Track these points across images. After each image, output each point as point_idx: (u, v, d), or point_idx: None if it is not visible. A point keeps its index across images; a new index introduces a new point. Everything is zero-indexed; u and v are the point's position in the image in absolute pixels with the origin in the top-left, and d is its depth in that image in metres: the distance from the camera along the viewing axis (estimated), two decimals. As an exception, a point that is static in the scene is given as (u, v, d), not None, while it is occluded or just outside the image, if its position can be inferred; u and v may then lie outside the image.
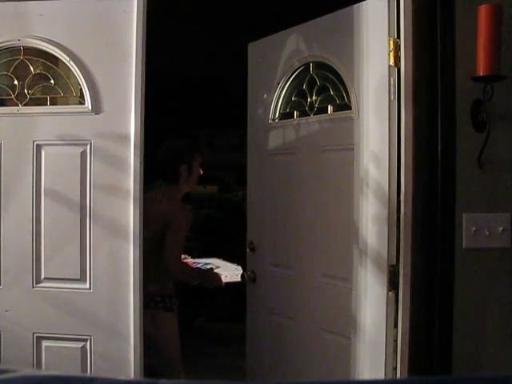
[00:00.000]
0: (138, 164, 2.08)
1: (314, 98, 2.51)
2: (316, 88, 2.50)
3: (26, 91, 2.18)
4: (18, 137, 2.17)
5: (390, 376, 2.12)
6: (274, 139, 2.71)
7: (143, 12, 2.09)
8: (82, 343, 2.13)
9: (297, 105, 2.61)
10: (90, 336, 2.13)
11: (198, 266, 3.08)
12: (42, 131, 2.16)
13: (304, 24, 2.53)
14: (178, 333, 2.71)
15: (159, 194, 2.77)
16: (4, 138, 2.17)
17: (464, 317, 2.07)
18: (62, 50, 2.13)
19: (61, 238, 2.17)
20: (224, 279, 2.90)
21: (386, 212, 2.13)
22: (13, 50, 2.19)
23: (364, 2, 2.24)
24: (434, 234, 2.07)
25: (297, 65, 2.57)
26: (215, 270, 2.97)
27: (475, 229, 2.05)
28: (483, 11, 1.92)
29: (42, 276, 2.16)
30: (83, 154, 2.13)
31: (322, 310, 2.44)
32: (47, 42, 2.13)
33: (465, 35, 2.03)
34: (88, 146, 2.13)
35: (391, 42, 2.11)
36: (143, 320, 2.08)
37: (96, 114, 2.13)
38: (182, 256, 2.90)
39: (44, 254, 2.15)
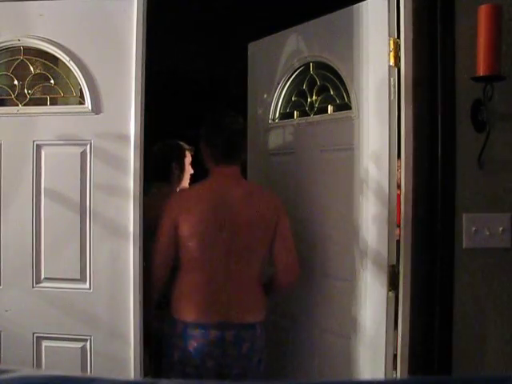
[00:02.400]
0: (138, 164, 2.08)
1: (314, 98, 2.51)
2: (316, 88, 2.50)
3: (26, 91, 2.18)
4: (18, 137, 2.17)
5: (390, 376, 2.12)
6: (274, 139, 2.71)
7: (143, 12, 2.09)
8: (82, 343, 2.13)
9: (297, 105, 2.61)
10: (90, 336, 2.13)
11: None
12: (41, 131, 2.16)
13: (304, 24, 2.53)
14: None
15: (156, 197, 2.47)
16: (4, 137, 2.17)
17: (464, 317, 2.07)
18: (62, 50, 2.13)
19: (61, 238, 2.17)
20: None
21: (385, 212, 2.13)
22: (13, 50, 2.19)
23: (364, 2, 2.24)
24: (434, 234, 2.07)
25: (297, 65, 2.57)
26: None
27: (475, 229, 2.05)
28: (483, 11, 1.92)
29: (42, 276, 2.16)
30: (83, 154, 2.13)
31: (322, 310, 2.43)
32: (47, 42, 2.13)
33: (465, 35, 2.03)
34: (88, 146, 2.12)
35: (391, 42, 2.11)
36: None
37: (96, 114, 2.13)
38: None
39: (44, 254, 2.15)
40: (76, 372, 2.15)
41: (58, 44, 2.13)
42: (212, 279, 2.13)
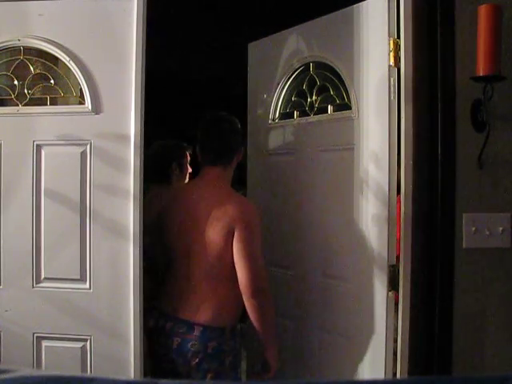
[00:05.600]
0: (138, 164, 2.08)
1: (314, 98, 2.51)
2: (316, 88, 2.50)
3: (26, 91, 2.18)
4: (18, 137, 2.17)
5: (389, 376, 2.12)
6: (274, 139, 2.71)
7: (143, 12, 2.09)
8: (82, 343, 2.13)
9: (297, 105, 2.61)
10: (90, 336, 2.13)
11: None
12: (42, 131, 2.16)
13: (304, 24, 2.53)
14: None
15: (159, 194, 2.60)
16: (4, 138, 2.17)
17: (464, 317, 2.07)
18: (62, 50, 2.13)
19: (61, 238, 2.17)
20: None
21: (386, 212, 2.13)
22: (13, 50, 2.19)
23: (364, 2, 2.24)
24: (434, 234, 2.07)
25: (297, 65, 2.57)
26: None
27: (475, 229, 2.05)
28: (483, 11, 1.92)
29: (42, 276, 2.16)
30: (83, 154, 2.13)
31: (322, 310, 2.43)
32: (47, 42, 2.13)
33: (465, 35, 2.04)
34: (88, 146, 2.12)
35: (391, 42, 2.11)
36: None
37: (96, 114, 2.13)
38: None
39: (44, 254, 2.15)
40: (76, 372, 2.15)
41: (58, 44, 2.13)
42: (173, 275, 2.25)
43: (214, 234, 2.10)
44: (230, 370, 2.15)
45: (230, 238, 2.07)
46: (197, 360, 2.12)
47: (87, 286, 2.13)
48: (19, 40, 2.15)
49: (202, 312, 2.13)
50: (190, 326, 2.12)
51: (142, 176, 2.10)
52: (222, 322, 2.13)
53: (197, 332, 2.11)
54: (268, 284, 2.12)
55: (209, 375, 2.13)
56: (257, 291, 2.07)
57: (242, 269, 2.06)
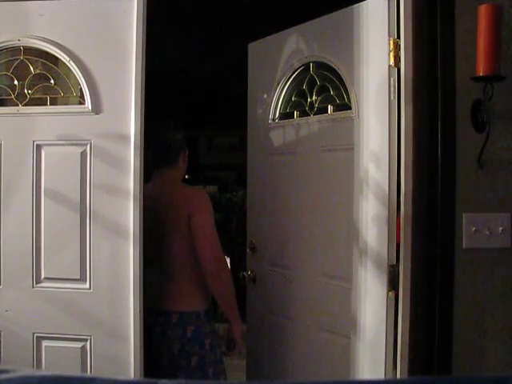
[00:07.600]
0: (138, 164, 2.08)
1: (314, 98, 2.51)
2: (316, 88, 2.50)
3: (25, 91, 2.18)
4: (18, 137, 2.17)
5: (390, 376, 2.12)
6: (274, 139, 2.72)
7: (143, 12, 2.09)
8: (82, 343, 2.13)
9: (297, 105, 2.61)
10: (90, 336, 2.13)
11: None
12: (41, 131, 2.16)
13: (304, 24, 2.53)
14: None
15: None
16: (4, 138, 2.17)
17: (464, 317, 2.07)
18: (62, 50, 2.13)
19: (61, 238, 2.17)
20: None
21: (386, 212, 2.13)
22: (13, 50, 2.19)
23: (364, 2, 2.24)
24: (434, 234, 2.07)
25: (297, 65, 2.57)
26: None
27: (475, 229, 2.05)
28: (483, 11, 1.92)
29: (42, 276, 2.16)
30: (83, 154, 2.13)
31: (322, 310, 2.44)
32: (47, 42, 2.13)
33: (465, 35, 2.03)
34: (88, 146, 2.13)
35: (391, 42, 2.11)
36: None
37: (96, 114, 2.13)
38: None
39: (44, 254, 2.15)
40: (76, 372, 2.15)
41: (58, 44, 2.13)
42: (148, 271, 2.27)
43: (177, 225, 2.30)
44: (210, 352, 2.32)
45: (188, 226, 2.28)
46: (179, 345, 2.28)
47: (87, 286, 2.14)
48: (19, 40, 2.15)
49: (178, 300, 2.32)
50: (168, 314, 2.30)
51: (142, 176, 2.10)
52: (196, 307, 2.33)
53: (174, 319, 2.29)
54: (225, 261, 2.36)
55: (193, 359, 2.29)
56: (217, 267, 2.28)
57: (202, 248, 2.27)
